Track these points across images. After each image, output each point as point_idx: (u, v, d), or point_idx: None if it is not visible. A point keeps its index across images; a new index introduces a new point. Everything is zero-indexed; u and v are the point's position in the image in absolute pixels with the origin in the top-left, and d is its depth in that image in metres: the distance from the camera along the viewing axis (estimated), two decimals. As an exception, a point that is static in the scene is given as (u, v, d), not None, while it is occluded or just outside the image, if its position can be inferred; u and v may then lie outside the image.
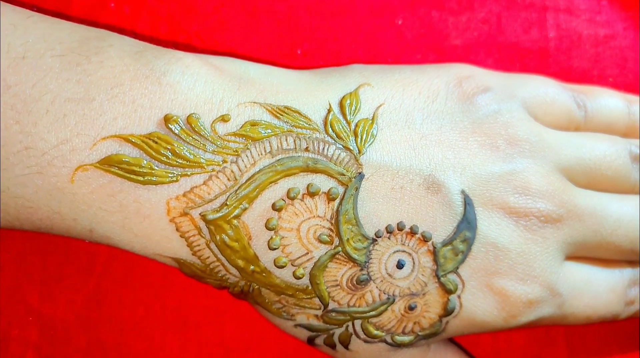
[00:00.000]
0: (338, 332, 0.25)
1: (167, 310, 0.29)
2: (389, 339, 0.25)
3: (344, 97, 0.24)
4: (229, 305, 0.29)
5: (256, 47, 0.30)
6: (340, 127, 0.24)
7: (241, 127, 0.23)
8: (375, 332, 0.25)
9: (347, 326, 0.25)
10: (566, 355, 0.30)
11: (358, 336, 0.25)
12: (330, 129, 0.24)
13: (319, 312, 0.24)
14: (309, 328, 0.25)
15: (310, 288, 0.24)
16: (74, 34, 0.23)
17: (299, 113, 0.24)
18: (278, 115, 0.23)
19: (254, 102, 0.24)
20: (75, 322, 0.28)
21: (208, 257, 0.23)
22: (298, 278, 0.24)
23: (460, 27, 0.31)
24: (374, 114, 0.24)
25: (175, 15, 0.30)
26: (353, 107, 0.24)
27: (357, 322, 0.25)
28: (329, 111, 0.24)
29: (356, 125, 0.24)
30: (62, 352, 0.28)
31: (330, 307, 0.24)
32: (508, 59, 0.30)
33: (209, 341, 0.29)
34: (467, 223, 0.24)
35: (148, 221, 0.23)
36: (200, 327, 0.29)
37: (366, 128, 0.24)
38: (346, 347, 0.25)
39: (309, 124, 0.24)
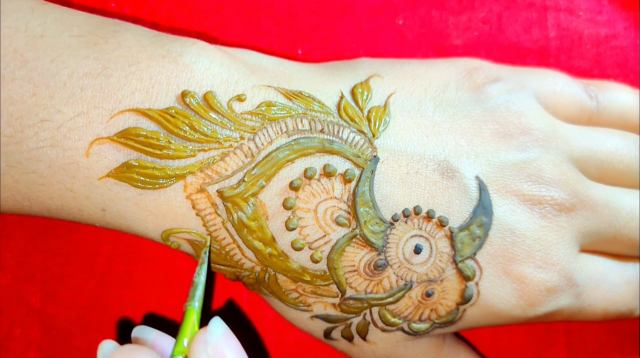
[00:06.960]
0: (355, 321, 0.24)
1: (168, 311, 0.28)
2: (405, 327, 0.24)
3: (355, 86, 0.25)
4: (228, 306, 0.29)
5: (257, 46, 0.29)
6: (354, 112, 0.24)
7: (257, 106, 0.23)
8: (393, 320, 0.24)
9: (365, 314, 0.24)
10: (566, 355, 0.29)
11: (376, 325, 0.24)
12: (343, 113, 0.24)
13: (337, 300, 0.24)
14: (326, 319, 0.24)
15: (327, 273, 0.23)
16: (90, 19, 0.23)
17: (313, 98, 0.24)
18: (292, 98, 0.23)
19: (268, 86, 0.24)
20: (77, 322, 0.28)
21: (224, 238, 0.23)
22: (315, 261, 0.23)
23: (460, 27, 0.31)
24: (385, 102, 0.24)
25: (176, 16, 0.29)
26: (365, 96, 0.24)
27: (375, 310, 0.24)
28: (341, 97, 0.24)
29: (369, 111, 0.24)
30: (63, 352, 0.28)
31: (347, 294, 0.24)
32: (509, 59, 0.30)
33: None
34: (483, 208, 0.24)
35: (164, 197, 0.22)
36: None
37: (379, 114, 0.24)
38: (364, 337, 0.25)
39: (323, 108, 0.24)
